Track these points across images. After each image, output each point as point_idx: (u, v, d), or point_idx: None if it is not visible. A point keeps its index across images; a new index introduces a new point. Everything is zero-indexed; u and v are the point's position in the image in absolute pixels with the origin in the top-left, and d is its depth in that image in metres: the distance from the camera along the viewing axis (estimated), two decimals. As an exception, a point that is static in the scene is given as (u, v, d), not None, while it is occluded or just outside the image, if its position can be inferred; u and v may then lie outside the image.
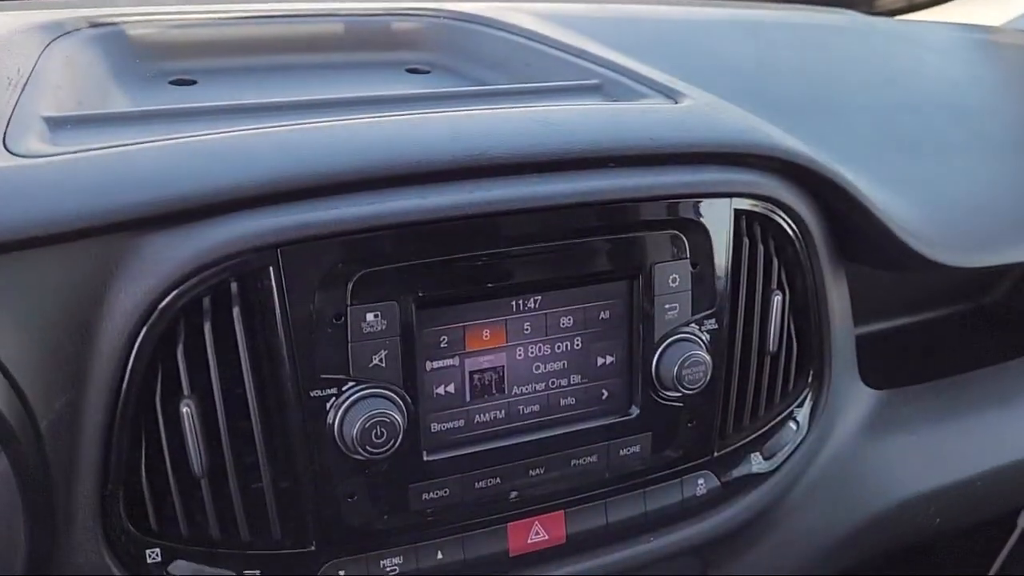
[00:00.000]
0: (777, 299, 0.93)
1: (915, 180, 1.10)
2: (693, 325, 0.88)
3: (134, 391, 0.71)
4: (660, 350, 0.87)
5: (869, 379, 1.09)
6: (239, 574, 0.77)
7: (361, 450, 0.75)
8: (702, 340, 0.88)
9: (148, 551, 0.75)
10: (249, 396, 0.73)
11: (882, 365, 1.13)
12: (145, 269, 0.70)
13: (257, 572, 0.78)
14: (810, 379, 1.00)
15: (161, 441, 0.72)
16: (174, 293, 0.70)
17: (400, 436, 0.76)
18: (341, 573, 0.80)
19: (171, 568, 0.76)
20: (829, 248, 0.98)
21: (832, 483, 1.02)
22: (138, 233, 0.70)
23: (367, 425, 0.74)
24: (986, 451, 1.10)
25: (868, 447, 1.05)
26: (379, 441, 0.75)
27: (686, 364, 0.86)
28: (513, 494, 0.85)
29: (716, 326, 0.89)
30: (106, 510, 0.73)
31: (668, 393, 0.88)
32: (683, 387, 0.87)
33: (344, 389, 0.75)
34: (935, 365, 1.22)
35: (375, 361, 0.76)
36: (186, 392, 0.72)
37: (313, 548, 0.79)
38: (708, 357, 0.87)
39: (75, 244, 0.68)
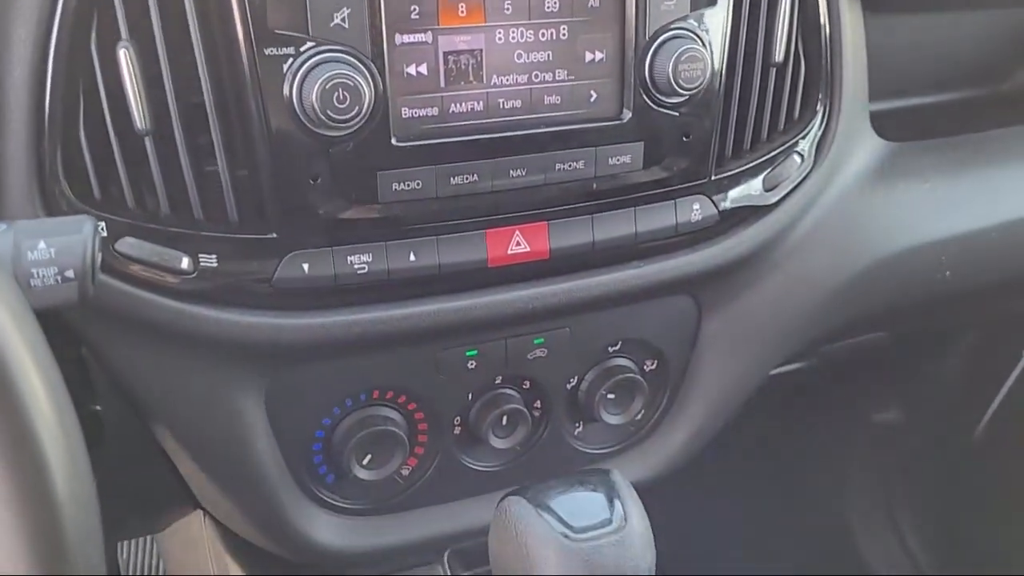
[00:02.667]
0: (785, 3, 0.85)
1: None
2: (691, 20, 0.80)
3: (66, 29, 0.64)
4: (655, 45, 0.79)
5: (883, 134, 1.02)
6: (194, 258, 0.72)
7: (323, 118, 0.68)
8: (701, 38, 0.81)
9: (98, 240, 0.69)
10: (196, 46, 0.67)
11: (896, 130, 1.06)
12: None
13: (213, 257, 0.72)
14: (817, 107, 0.92)
15: (98, 89, 0.66)
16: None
17: (366, 109, 0.70)
18: (304, 266, 0.75)
19: (119, 245, 0.70)
20: (844, -43, 0.90)
21: (838, 224, 0.96)
22: None
23: (328, 86, 0.68)
24: (1003, 203, 1.04)
25: (878, 191, 0.99)
26: (342, 107, 0.68)
27: (682, 59, 0.79)
28: (492, 197, 0.79)
29: (716, 24, 0.81)
30: (43, 172, 0.67)
31: (663, 98, 0.81)
32: (679, 87, 0.79)
33: (302, 50, 0.68)
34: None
35: (337, 20, 0.69)
36: (124, 36, 0.65)
37: (274, 236, 0.73)
38: (707, 53, 0.80)
39: None
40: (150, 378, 0.77)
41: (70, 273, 0.56)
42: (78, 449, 0.50)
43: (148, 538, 1.48)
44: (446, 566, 0.99)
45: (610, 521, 0.68)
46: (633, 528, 0.68)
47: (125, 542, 1.45)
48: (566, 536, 0.66)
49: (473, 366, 0.88)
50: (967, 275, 1.04)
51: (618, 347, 0.95)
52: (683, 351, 0.98)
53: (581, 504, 0.69)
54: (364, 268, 0.76)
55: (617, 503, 0.69)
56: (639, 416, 0.99)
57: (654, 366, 0.98)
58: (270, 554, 0.93)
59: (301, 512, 0.87)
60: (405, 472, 0.92)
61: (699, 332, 0.98)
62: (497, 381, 0.91)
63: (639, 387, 0.96)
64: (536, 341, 0.89)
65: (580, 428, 0.98)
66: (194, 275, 0.72)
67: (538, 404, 0.95)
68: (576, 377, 0.95)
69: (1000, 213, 1.03)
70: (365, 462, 0.87)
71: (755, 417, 2.03)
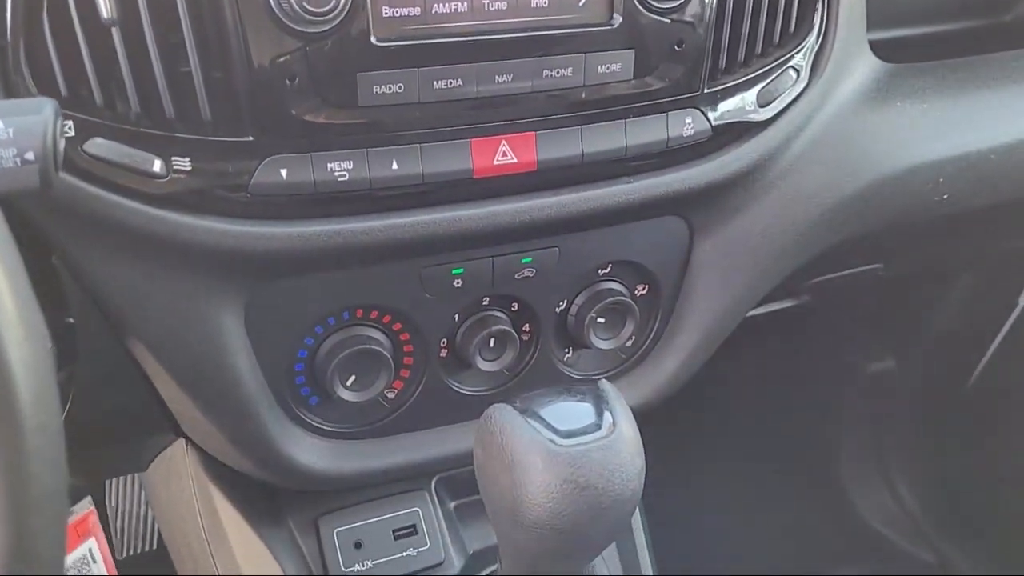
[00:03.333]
0: (781, -95, 0.82)
1: None
2: (684, -81, 0.77)
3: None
4: None
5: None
6: (166, 161, 0.69)
7: (299, 11, 0.66)
8: None
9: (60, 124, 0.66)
10: (163, -68, 0.64)
11: (894, 56, 1.03)
12: None
13: (187, 160, 0.70)
14: (814, 21, 0.89)
15: (61, -24, 0.63)
16: None
17: (344, 3, 0.67)
18: (283, 172, 0.72)
19: (87, 146, 0.67)
20: None
21: (833, 144, 0.93)
22: None
23: None
24: (1002, 126, 1.01)
25: (875, 111, 0.96)
26: (318, -1, 0.66)
27: None
28: (477, 104, 0.76)
29: (710, -76, 0.79)
30: (6, 67, 0.64)
31: (654, 3, 0.78)
32: None
33: None
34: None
35: (309, -91, 0.66)
36: (87, -82, 0.62)
37: (251, 139, 0.70)
38: None
39: None
40: (124, 289, 0.74)
41: (30, 155, 0.53)
42: (37, 335, 0.48)
43: (135, 478, 1.46)
44: (433, 493, 0.98)
45: (599, 427, 0.66)
46: (622, 434, 0.66)
47: (112, 481, 1.44)
48: (552, 441, 0.64)
49: (459, 284, 0.85)
50: (965, 197, 1.02)
51: (608, 270, 0.93)
52: (675, 275, 0.96)
53: (569, 412, 0.67)
54: (345, 175, 0.74)
55: (606, 411, 0.67)
56: (630, 342, 0.97)
57: (645, 291, 0.96)
58: (253, 481, 0.91)
59: (284, 434, 0.85)
60: (390, 395, 0.90)
61: (691, 255, 0.95)
62: (484, 302, 0.89)
63: (630, 311, 0.94)
64: (524, 260, 0.87)
65: (570, 354, 0.96)
66: (167, 179, 0.69)
67: (527, 328, 0.93)
68: (565, 300, 0.93)
69: (999, 135, 1.01)
70: (349, 383, 0.85)
71: (747, 367, 2.02)
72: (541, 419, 0.66)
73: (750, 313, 1.40)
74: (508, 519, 0.66)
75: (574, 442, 0.64)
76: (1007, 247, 1.45)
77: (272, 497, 0.95)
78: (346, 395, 0.84)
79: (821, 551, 2.05)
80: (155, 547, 1.74)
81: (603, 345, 0.94)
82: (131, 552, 1.71)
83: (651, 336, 0.99)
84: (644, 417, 0.98)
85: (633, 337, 0.97)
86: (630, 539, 1.04)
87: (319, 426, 0.88)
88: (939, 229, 1.10)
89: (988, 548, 1.93)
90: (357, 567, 0.93)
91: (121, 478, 1.60)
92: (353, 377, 0.85)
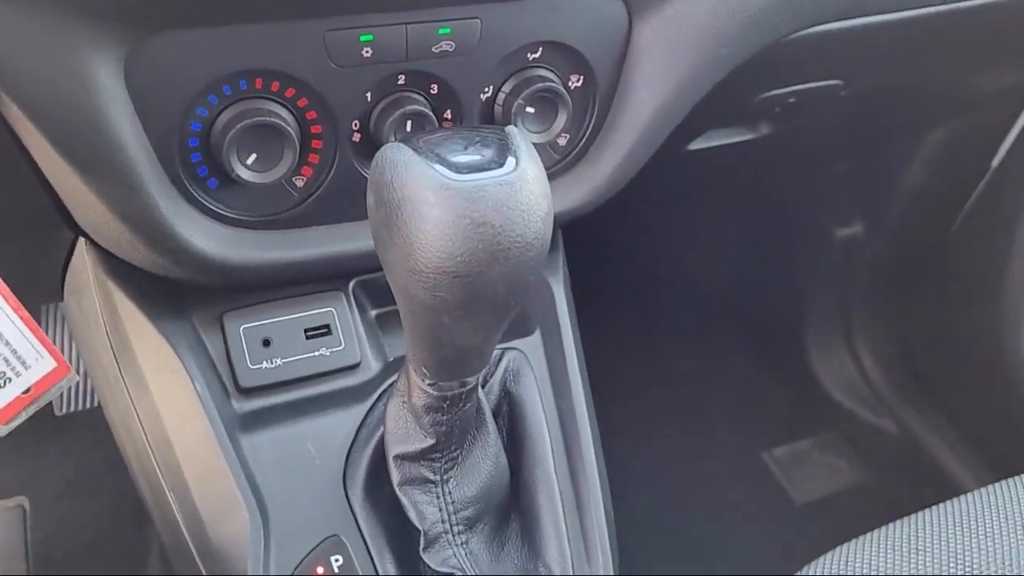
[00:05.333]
0: None
1: None
2: None
3: None
4: None
5: None
6: None
7: None
8: None
9: None
10: None
11: None
12: None
13: None
14: None
15: None
16: None
17: None
18: None
19: None
20: None
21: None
22: None
23: None
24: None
25: None
26: None
27: None
28: None
29: None
30: None
31: None
32: None
33: None
34: None
35: None
36: None
37: None
38: None
39: None
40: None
41: None
42: None
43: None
44: (350, 295, 0.91)
45: (500, 164, 0.60)
46: (525, 174, 0.60)
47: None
48: (447, 177, 0.58)
49: (369, 54, 0.78)
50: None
51: (539, 54, 0.86)
52: (612, 65, 0.89)
53: (470, 151, 0.61)
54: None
55: (510, 154, 0.61)
56: (563, 140, 0.90)
57: (580, 82, 0.89)
58: (155, 279, 0.85)
59: (177, 214, 0.78)
60: (299, 183, 0.83)
61: (629, 42, 0.88)
62: (400, 81, 0.82)
63: (562, 101, 0.87)
64: (442, 32, 0.80)
65: (497, 147, 0.89)
66: None
67: (448, 115, 0.85)
68: (491, 87, 0.86)
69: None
70: (249, 162, 0.78)
71: (709, 231, 1.97)
72: (437, 156, 0.60)
73: (711, 144, 1.33)
74: (402, 268, 0.60)
75: (471, 177, 0.58)
76: (975, 84, 1.38)
77: (176, 297, 0.88)
78: (246, 174, 0.77)
79: (780, 422, 2.03)
80: (96, 404, 1.70)
81: (533, 138, 0.88)
82: (69, 409, 1.67)
83: (587, 133, 0.92)
84: (580, 219, 0.93)
85: (567, 135, 0.91)
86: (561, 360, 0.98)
87: (220, 211, 0.81)
88: (904, 38, 1.03)
89: (949, 415, 1.91)
90: (265, 364, 0.87)
91: (55, 336, 1.55)
92: (254, 156, 0.78)
